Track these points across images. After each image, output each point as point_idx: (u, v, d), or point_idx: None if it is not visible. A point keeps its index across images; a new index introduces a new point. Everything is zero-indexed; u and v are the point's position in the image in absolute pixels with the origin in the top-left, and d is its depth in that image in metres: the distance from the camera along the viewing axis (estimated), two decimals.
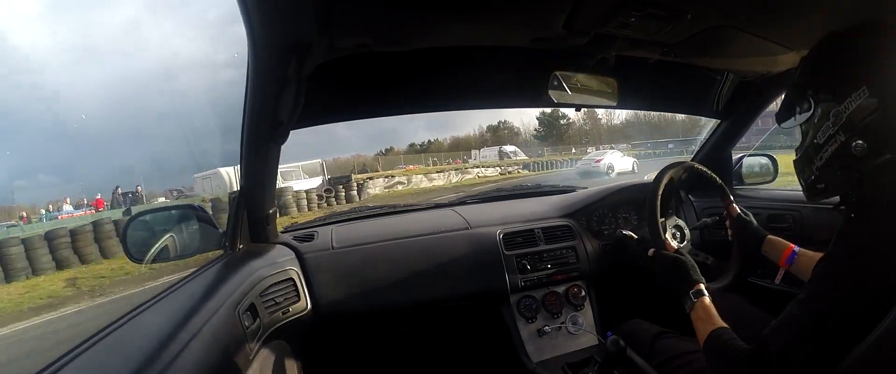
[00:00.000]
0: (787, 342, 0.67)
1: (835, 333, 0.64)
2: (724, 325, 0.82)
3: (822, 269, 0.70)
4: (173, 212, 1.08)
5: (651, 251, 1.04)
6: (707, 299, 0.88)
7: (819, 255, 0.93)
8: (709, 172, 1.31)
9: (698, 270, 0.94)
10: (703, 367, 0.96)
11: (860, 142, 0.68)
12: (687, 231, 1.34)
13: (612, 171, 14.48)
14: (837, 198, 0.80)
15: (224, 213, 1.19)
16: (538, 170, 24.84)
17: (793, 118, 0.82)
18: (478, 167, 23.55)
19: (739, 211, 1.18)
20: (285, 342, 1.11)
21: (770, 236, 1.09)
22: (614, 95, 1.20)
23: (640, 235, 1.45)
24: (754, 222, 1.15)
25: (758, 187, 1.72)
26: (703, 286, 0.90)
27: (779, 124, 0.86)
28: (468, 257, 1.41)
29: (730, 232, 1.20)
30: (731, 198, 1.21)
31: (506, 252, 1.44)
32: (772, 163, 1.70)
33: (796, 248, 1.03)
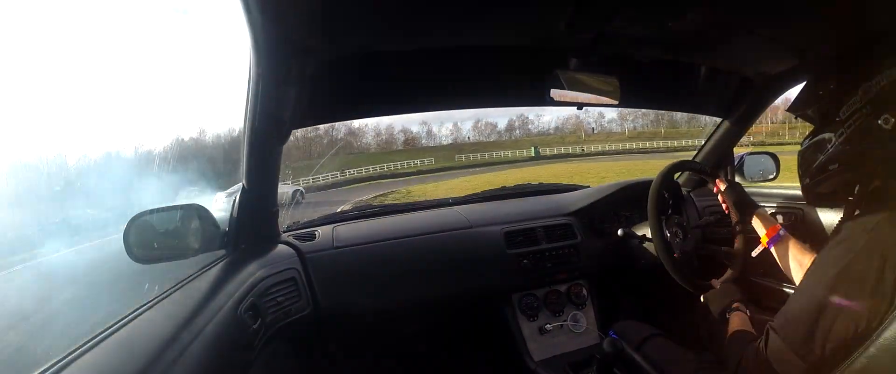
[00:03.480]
0: (790, 332, 0.68)
1: (837, 322, 0.64)
2: (749, 330, 0.88)
3: (828, 257, 0.69)
4: (175, 212, 1.07)
5: (703, 297, 1.12)
6: (741, 313, 0.96)
7: (805, 245, 0.94)
8: (697, 162, 1.31)
9: (738, 292, 1.04)
10: (690, 371, 1.00)
11: (888, 116, 0.66)
12: (688, 230, 1.33)
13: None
14: (837, 201, 0.80)
15: None
16: None
17: (808, 103, 0.81)
18: None
19: (729, 182, 1.19)
20: (287, 342, 1.11)
21: (761, 210, 1.09)
22: (616, 93, 1.19)
23: (642, 233, 1.45)
24: (745, 191, 1.16)
25: (759, 185, 1.72)
26: (740, 304, 0.99)
27: (793, 114, 0.86)
28: (470, 255, 1.41)
29: (725, 206, 1.21)
30: (718, 175, 1.22)
31: (507, 251, 1.43)
32: (773, 161, 1.70)
33: (782, 231, 1.02)
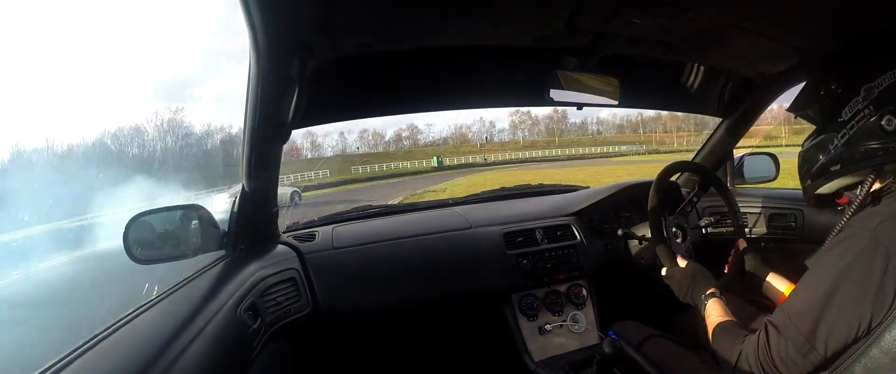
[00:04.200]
0: (791, 330, 0.67)
1: (840, 321, 0.63)
2: (732, 319, 0.85)
3: (830, 257, 0.69)
4: (175, 212, 1.07)
5: (664, 270, 1.07)
6: (718, 300, 0.92)
7: None
8: (689, 162, 1.30)
9: (712, 276, 0.99)
10: (690, 371, 0.98)
11: (891, 117, 0.66)
12: (688, 230, 1.34)
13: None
14: (839, 198, 0.80)
15: None
16: None
17: (809, 103, 0.81)
18: None
19: (746, 246, 1.17)
20: (287, 342, 1.11)
21: (772, 276, 1.07)
22: (616, 93, 1.20)
23: (642, 234, 1.45)
24: (759, 261, 1.14)
25: (759, 186, 1.72)
26: (715, 290, 0.94)
27: (793, 114, 0.85)
28: (469, 256, 1.41)
29: (730, 261, 1.20)
30: (745, 234, 1.21)
31: (507, 251, 1.44)
32: (773, 162, 1.70)
33: None
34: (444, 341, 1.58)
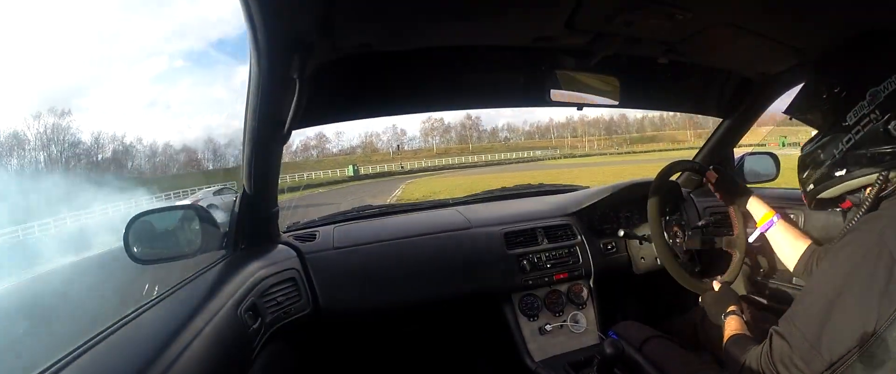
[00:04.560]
0: (797, 337, 0.67)
1: (846, 326, 0.63)
2: (747, 333, 0.88)
3: (835, 261, 0.69)
4: (175, 212, 1.08)
5: (701, 298, 1.12)
6: (737, 317, 0.95)
7: (799, 230, 0.97)
8: (692, 161, 1.31)
9: (735, 297, 1.04)
10: (690, 372, 1.00)
11: None
12: (688, 230, 1.34)
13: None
14: (842, 202, 0.80)
15: None
16: None
17: (810, 107, 0.81)
18: None
19: (720, 172, 1.20)
20: (287, 342, 1.11)
21: (756, 196, 1.11)
22: (616, 94, 1.20)
23: (642, 234, 1.45)
24: (736, 179, 1.18)
25: (760, 186, 1.72)
26: (737, 308, 0.99)
27: (791, 116, 0.85)
28: (470, 256, 1.41)
29: (719, 196, 1.23)
30: (709, 168, 1.24)
31: (508, 251, 1.44)
32: (774, 161, 1.69)
33: (776, 216, 1.03)
34: (445, 341, 1.58)
